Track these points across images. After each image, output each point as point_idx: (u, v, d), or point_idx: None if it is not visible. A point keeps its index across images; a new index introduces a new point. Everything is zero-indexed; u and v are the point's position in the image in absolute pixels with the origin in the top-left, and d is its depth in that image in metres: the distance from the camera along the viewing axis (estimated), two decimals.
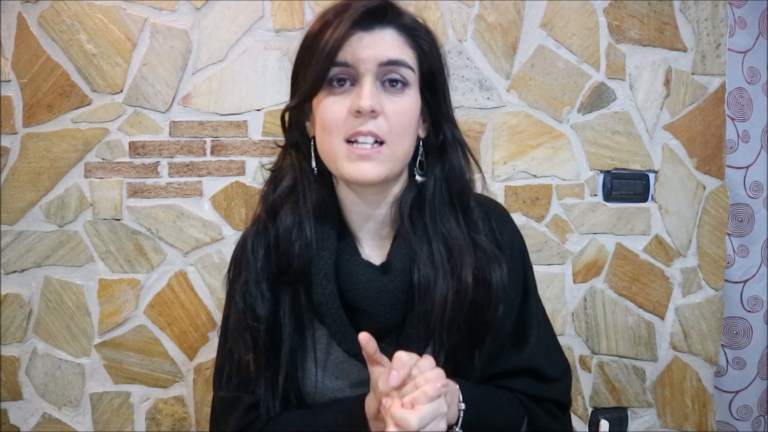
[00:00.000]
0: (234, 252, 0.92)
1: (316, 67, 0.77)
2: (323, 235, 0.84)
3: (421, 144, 0.85)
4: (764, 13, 1.66)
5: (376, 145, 0.77)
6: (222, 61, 1.45)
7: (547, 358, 0.90)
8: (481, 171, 0.91)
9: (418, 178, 0.84)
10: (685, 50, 1.59)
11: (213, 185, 1.47)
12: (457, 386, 0.78)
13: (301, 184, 0.85)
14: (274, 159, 1.51)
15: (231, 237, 1.47)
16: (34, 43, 1.41)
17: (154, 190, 1.46)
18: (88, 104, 1.43)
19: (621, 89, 1.58)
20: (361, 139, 0.77)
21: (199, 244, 1.47)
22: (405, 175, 0.85)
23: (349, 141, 0.77)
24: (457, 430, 0.74)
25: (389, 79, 0.78)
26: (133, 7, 1.42)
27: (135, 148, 1.44)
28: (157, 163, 1.45)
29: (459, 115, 1.49)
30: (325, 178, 0.86)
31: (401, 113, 0.78)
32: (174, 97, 1.45)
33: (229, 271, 0.91)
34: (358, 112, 0.75)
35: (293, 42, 1.46)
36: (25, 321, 1.45)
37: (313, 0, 1.46)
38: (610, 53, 1.56)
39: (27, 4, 1.40)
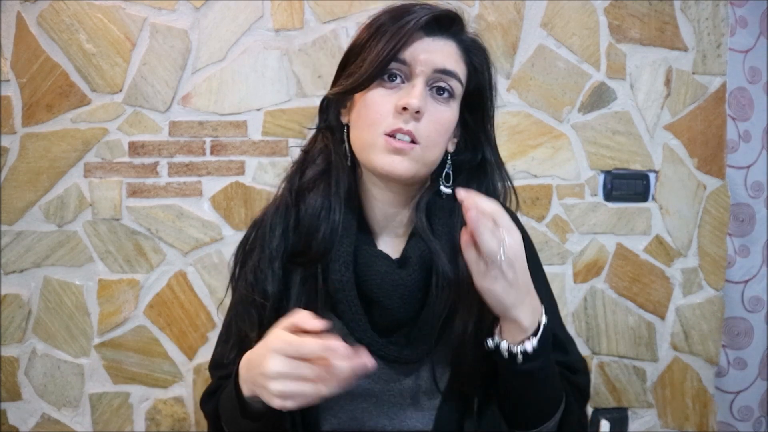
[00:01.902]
0: (247, 231, 0.92)
1: (377, 59, 0.79)
2: (347, 224, 0.85)
3: (449, 158, 0.87)
4: (765, 13, 1.65)
5: (411, 143, 0.79)
6: (222, 61, 1.45)
7: (568, 344, 0.92)
8: (515, 192, 0.94)
9: (444, 189, 0.86)
10: (685, 50, 1.58)
11: (213, 185, 1.47)
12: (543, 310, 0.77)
13: (335, 169, 0.86)
14: (274, 159, 1.51)
15: (231, 237, 1.47)
16: (34, 42, 1.41)
17: (154, 190, 1.45)
18: (88, 104, 1.43)
19: (621, 89, 1.57)
20: (399, 135, 0.79)
21: (198, 244, 1.47)
22: (428, 183, 0.88)
23: (387, 134, 0.80)
24: (535, 340, 0.74)
25: (438, 86, 0.81)
26: (133, 7, 1.42)
27: (134, 148, 1.44)
28: (156, 163, 1.45)
29: None
30: (354, 168, 0.87)
31: (441, 121, 0.81)
32: (173, 97, 1.44)
33: (238, 250, 0.90)
34: (405, 108, 0.78)
35: (293, 42, 1.46)
36: (25, 321, 1.44)
37: (313, 0, 1.45)
38: (610, 53, 1.56)
39: (26, 4, 1.40)
